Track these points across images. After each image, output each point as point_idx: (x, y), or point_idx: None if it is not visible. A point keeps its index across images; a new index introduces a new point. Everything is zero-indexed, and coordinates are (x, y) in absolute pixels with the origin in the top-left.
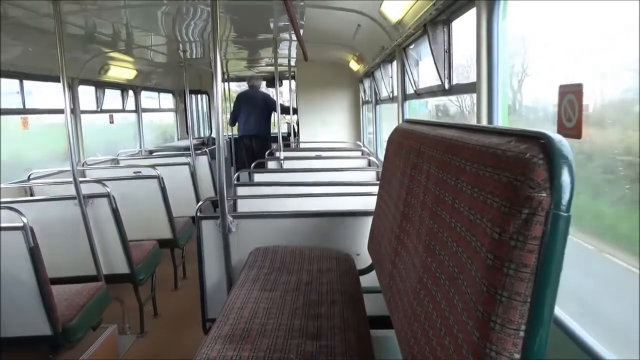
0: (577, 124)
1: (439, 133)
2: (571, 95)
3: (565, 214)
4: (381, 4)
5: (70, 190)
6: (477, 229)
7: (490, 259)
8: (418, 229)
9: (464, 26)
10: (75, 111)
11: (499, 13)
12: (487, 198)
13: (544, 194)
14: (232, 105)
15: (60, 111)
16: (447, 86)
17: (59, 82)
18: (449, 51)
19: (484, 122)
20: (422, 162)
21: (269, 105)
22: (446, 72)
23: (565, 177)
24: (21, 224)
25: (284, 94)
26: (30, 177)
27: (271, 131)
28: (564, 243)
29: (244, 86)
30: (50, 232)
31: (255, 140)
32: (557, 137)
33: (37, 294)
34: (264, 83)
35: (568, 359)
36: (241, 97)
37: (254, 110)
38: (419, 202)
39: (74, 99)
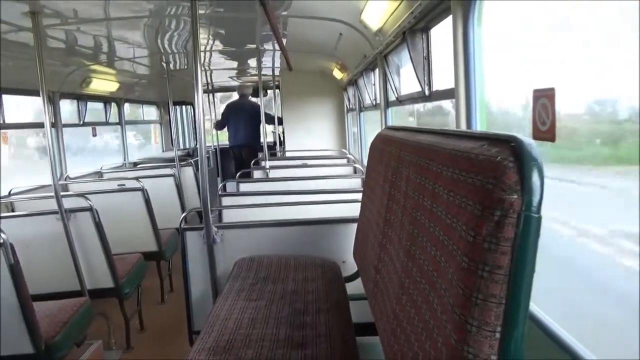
0: (551, 127)
1: (417, 139)
2: (544, 99)
3: (536, 215)
4: (361, 12)
5: (53, 205)
6: (454, 232)
7: (465, 262)
8: (399, 234)
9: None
10: (56, 125)
11: (474, 20)
12: (462, 202)
13: (515, 196)
14: (217, 116)
15: (41, 125)
16: (427, 92)
17: (39, 95)
18: (428, 58)
19: (463, 127)
20: (402, 167)
21: (258, 115)
22: (426, 78)
23: (535, 179)
24: (0, 241)
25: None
26: (11, 192)
27: (261, 141)
28: (536, 244)
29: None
30: (32, 248)
31: (244, 151)
32: (527, 140)
33: (18, 311)
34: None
35: (548, 358)
36: (230, 107)
37: (243, 120)
38: (400, 207)
39: (55, 112)
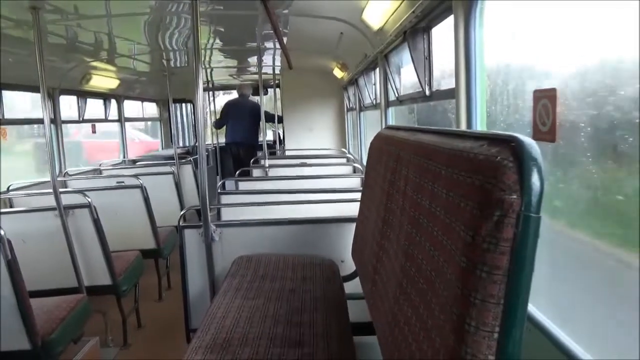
0: (552, 128)
1: (417, 138)
2: (545, 100)
3: (536, 215)
4: (362, 11)
5: (51, 201)
6: (452, 232)
7: (464, 262)
8: (398, 234)
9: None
10: (56, 121)
11: (476, 20)
12: (461, 201)
13: (515, 196)
14: (217, 114)
15: (40, 121)
16: (427, 92)
17: (39, 92)
18: (429, 58)
19: (463, 127)
20: (401, 167)
21: (257, 113)
22: (426, 78)
23: (535, 179)
24: None
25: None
26: (10, 188)
27: (259, 139)
28: (535, 244)
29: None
30: (29, 244)
31: (242, 149)
32: (527, 140)
33: (15, 308)
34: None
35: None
36: (229, 105)
37: (241, 118)
38: (399, 207)
39: (55, 108)
